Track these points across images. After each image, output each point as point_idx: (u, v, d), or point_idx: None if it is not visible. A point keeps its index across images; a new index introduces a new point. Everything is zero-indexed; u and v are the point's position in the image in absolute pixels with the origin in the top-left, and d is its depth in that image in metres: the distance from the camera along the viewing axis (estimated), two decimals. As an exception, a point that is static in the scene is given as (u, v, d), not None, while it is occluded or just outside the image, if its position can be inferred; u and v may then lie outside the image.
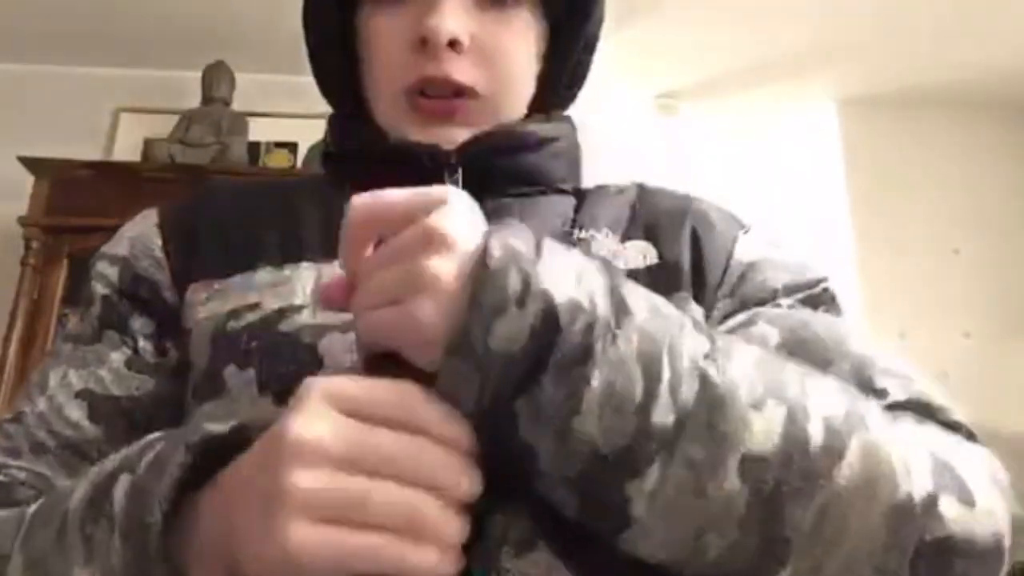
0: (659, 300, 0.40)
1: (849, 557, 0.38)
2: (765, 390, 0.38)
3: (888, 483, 0.39)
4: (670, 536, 0.38)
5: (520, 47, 0.59)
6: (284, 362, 0.49)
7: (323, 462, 0.34)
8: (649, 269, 0.56)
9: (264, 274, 0.54)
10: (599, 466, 0.36)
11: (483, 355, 0.35)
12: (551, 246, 0.38)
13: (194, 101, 2.63)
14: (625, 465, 0.36)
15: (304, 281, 0.53)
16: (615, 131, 2.90)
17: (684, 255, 0.57)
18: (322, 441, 0.34)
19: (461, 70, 0.56)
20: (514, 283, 0.35)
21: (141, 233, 0.61)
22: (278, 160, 2.66)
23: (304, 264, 0.54)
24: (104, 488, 0.41)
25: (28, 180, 2.38)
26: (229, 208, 0.60)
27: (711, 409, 0.37)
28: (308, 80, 0.68)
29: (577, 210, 0.63)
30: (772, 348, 0.47)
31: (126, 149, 2.70)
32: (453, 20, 0.55)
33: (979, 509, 0.41)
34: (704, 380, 0.37)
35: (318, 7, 0.62)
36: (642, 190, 0.66)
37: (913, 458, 0.40)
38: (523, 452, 0.37)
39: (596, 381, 0.35)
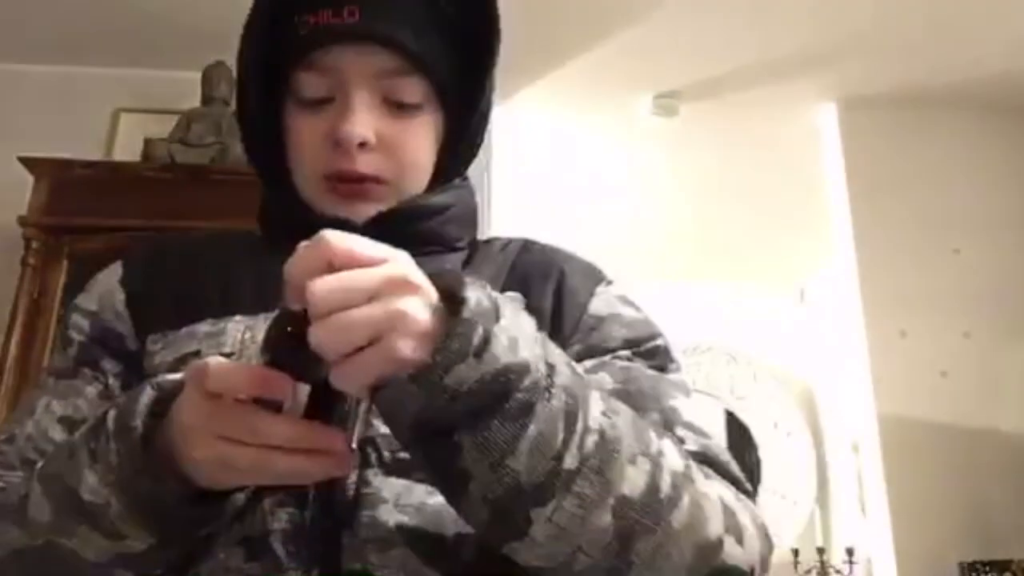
0: (567, 358, 0.51)
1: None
2: (637, 445, 0.51)
3: (701, 527, 0.53)
4: (551, 552, 0.49)
5: (419, 141, 0.71)
6: None
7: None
8: None
9: (205, 326, 0.66)
10: (516, 494, 0.46)
11: (435, 385, 0.44)
12: (506, 309, 0.47)
13: (194, 101, 2.63)
14: (536, 496, 0.47)
15: (234, 332, 0.65)
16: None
17: (547, 303, 0.69)
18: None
19: (368, 164, 0.68)
20: (477, 339, 0.44)
21: (107, 290, 0.72)
22: (278, 160, 2.66)
23: (237, 317, 0.65)
24: (99, 419, 0.55)
25: (28, 180, 2.38)
26: (178, 267, 0.72)
27: (603, 459, 0.48)
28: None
29: (465, 264, 0.74)
30: (607, 392, 0.58)
31: (126, 149, 2.70)
32: (362, 125, 0.67)
33: (746, 547, 0.56)
34: (602, 435, 0.49)
35: (249, 105, 0.73)
36: (524, 248, 0.76)
37: (714, 508, 0.54)
38: (459, 475, 0.46)
39: (532, 430, 0.46)
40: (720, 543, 0.54)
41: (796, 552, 3.61)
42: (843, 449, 3.70)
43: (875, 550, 2.77)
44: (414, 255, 0.49)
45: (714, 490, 0.56)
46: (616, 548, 0.49)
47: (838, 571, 3.47)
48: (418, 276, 0.46)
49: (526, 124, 3.13)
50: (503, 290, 0.69)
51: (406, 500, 0.59)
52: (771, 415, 4.10)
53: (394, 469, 0.59)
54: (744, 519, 0.57)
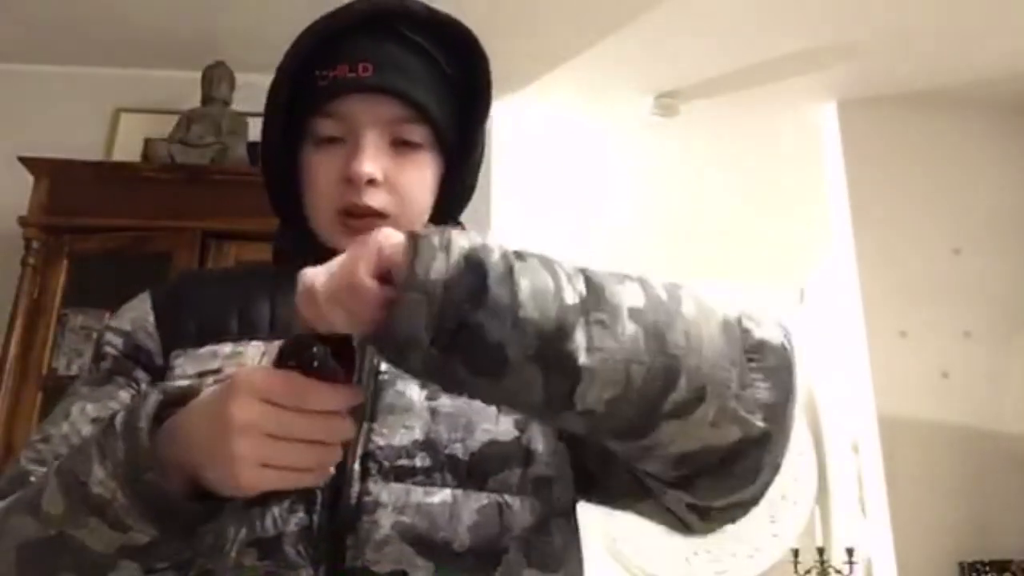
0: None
1: (714, 357, 0.57)
2: (620, 276, 0.58)
3: (713, 313, 0.59)
4: (608, 375, 0.53)
5: (422, 179, 0.80)
6: None
7: (255, 403, 0.54)
8: None
9: (227, 347, 0.74)
10: (545, 340, 0.52)
11: (425, 283, 0.50)
12: (452, 232, 0.54)
13: (194, 101, 2.63)
14: (562, 333, 0.52)
15: (252, 355, 0.73)
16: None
17: None
18: (255, 386, 0.55)
19: (376, 199, 0.77)
20: (437, 242, 0.52)
21: (139, 314, 0.80)
22: (278, 160, 2.66)
23: (255, 342, 0.74)
24: (109, 420, 0.60)
25: (28, 180, 2.38)
26: (201, 296, 0.81)
27: (597, 289, 0.55)
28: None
29: None
30: None
31: (126, 149, 2.70)
32: (371, 164, 0.76)
33: (766, 326, 0.61)
34: (585, 274, 0.55)
35: (271, 147, 0.82)
36: None
37: (715, 300, 0.60)
38: (495, 351, 0.51)
39: (523, 283, 0.52)
40: (739, 322, 0.59)
41: (796, 552, 3.61)
42: (843, 449, 3.70)
43: (875, 550, 2.77)
44: None
45: (707, 293, 0.63)
46: (655, 346, 0.54)
47: (838, 571, 3.47)
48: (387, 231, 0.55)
49: (526, 124, 3.13)
50: None
51: (405, 503, 0.66)
52: (771, 415, 4.09)
53: (394, 476, 0.67)
54: (748, 307, 0.62)
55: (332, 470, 0.58)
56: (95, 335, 0.84)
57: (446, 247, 0.51)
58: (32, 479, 0.69)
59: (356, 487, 0.66)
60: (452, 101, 0.82)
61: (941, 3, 2.54)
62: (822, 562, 3.53)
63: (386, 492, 0.66)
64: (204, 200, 2.34)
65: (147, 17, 2.63)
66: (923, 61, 2.82)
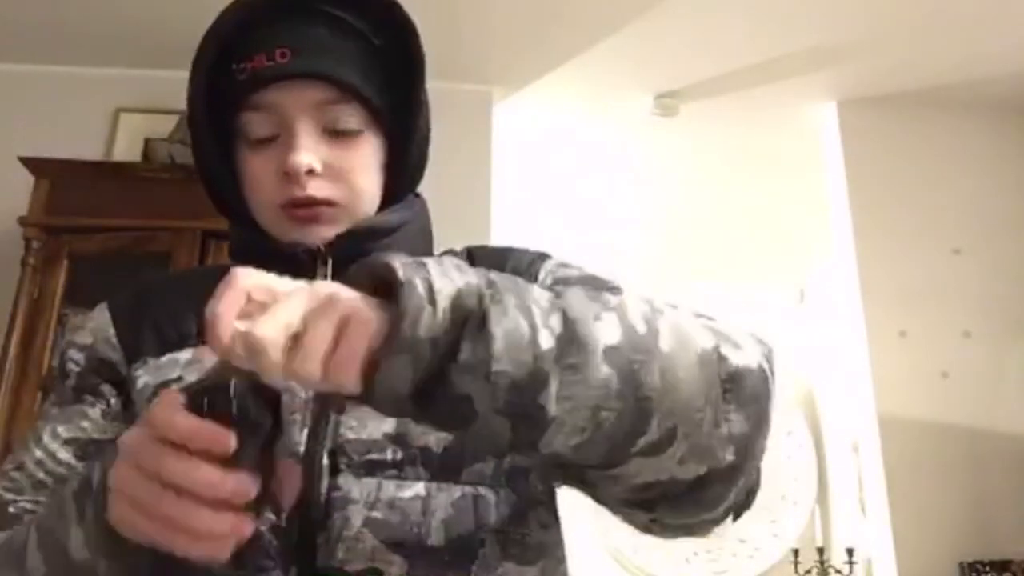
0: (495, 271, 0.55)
1: (688, 397, 0.54)
2: (596, 307, 0.54)
3: (691, 345, 0.56)
4: (576, 422, 0.51)
5: (363, 164, 0.76)
6: None
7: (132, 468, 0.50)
8: None
9: (186, 354, 0.73)
10: (518, 392, 0.49)
11: (415, 346, 0.47)
12: (423, 260, 0.51)
13: (194, 101, 2.63)
14: (534, 384, 0.49)
15: (211, 361, 0.69)
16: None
17: None
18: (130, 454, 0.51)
19: (319, 188, 0.73)
20: (422, 289, 0.48)
21: (98, 325, 0.79)
22: (278, 160, 2.66)
23: None
24: (87, 476, 0.58)
25: (28, 180, 2.38)
26: (160, 303, 0.78)
27: (573, 327, 0.51)
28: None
29: None
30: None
31: (126, 149, 2.70)
32: (307, 154, 0.72)
33: (745, 349, 0.59)
34: (562, 311, 0.52)
35: (204, 149, 0.79)
36: (469, 256, 0.81)
37: (696, 328, 0.58)
38: (462, 403, 0.49)
39: (498, 331, 0.49)
40: (717, 350, 0.57)
41: (796, 552, 3.61)
42: (843, 449, 3.70)
43: (875, 550, 2.77)
44: None
45: (686, 315, 0.61)
46: (628, 390, 0.52)
47: (838, 571, 3.47)
48: (335, 285, 0.50)
49: (526, 124, 3.13)
50: None
51: (376, 498, 0.65)
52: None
53: (364, 471, 0.65)
54: (726, 330, 0.61)
55: (228, 551, 0.50)
56: (60, 350, 0.82)
57: (432, 298, 0.48)
58: (11, 509, 0.69)
59: (325, 483, 0.64)
60: (383, 76, 0.77)
61: (941, 3, 2.54)
62: (822, 562, 3.53)
63: (357, 487, 0.65)
64: (204, 200, 2.31)
65: (147, 17, 2.63)
66: (923, 61, 2.82)
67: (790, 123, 3.13)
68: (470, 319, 0.49)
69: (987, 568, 2.51)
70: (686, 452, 0.55)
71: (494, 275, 0.53)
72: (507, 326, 0.49)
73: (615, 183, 3.56)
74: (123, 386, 0.75)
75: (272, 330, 0.47)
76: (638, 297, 0.59)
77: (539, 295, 0.53)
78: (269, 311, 0.48)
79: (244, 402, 0.49)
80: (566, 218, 3.67)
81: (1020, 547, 2.55)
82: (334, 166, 0.74)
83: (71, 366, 0.77)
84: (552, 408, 0.50)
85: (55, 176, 2.40)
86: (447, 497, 0.66)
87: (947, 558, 2.53)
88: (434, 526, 0.65)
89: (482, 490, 0.67)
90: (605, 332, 0.53)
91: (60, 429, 0.73)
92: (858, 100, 2.99)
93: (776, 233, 3.77)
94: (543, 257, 0.80)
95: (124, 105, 2.80)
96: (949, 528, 2.57)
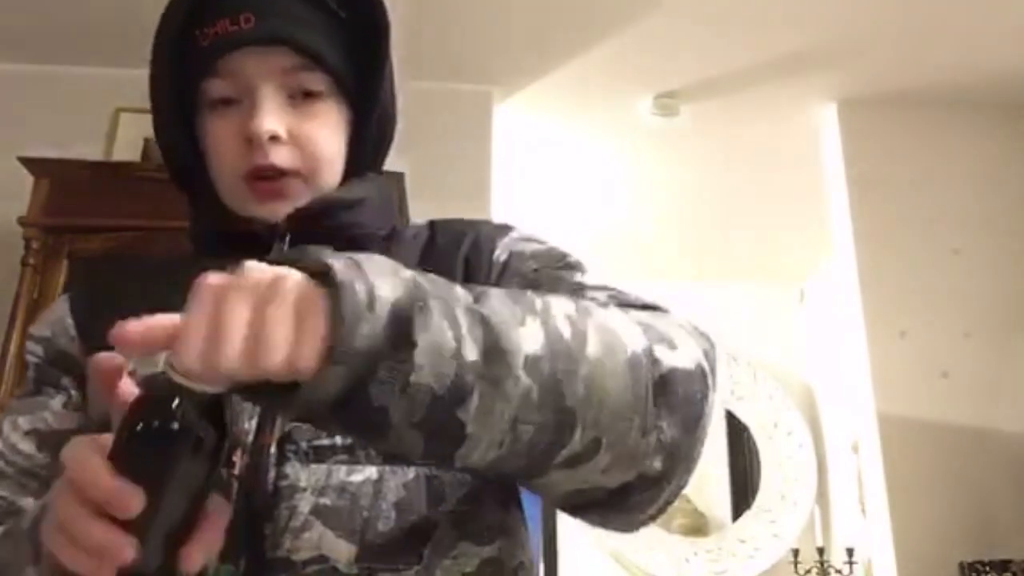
0: (420, 272, 0.52)
1: (615, 406, 0.52)
2: (521, 310, 0.52)
3: (620, 348, 0.54)
4: (494, 436, 0.49)
5: (327, 132, 0.75)
6: None
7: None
8: None
9: None
10: (436, 406, 0.47)
11: (348, 355, 0.45)
12: (359, 256, 0.49)
13: (194, 101, 2.63)
14: (454, 397, 0.47)
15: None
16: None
17: (459, 272, 0.74)
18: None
19: (282, 157, 0.72)
20: (362, 294, 0.45)
21: (58, 318, 0.78)
22: (278, 160, 2.66)
23: None
24: (40, 514, 0.56)
25: (28, 180, 2.38)
26: (120, 293, 0.77)
27: (495, 337, 0.49)
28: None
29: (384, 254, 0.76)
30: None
31: (126, 149, 2.70)
32: (271, 119, 0.71)
33: (681, 348, 0.57)
34: (483, 319, 0.50)
35: (164, 117, 0.77)
36: (432, 229, 0.81)
37: (627, 328, 0.56)
38: (378, 415, 0.46)
39: (422, 341, 0.46)
40: (650, 352, 0.55)
41: (796, 552, 3.61)
42: (843, 449, 3.70)
43: (875, 550, 2.77)
44: (333, 248, 0.51)
45: (618, 314, 0.58)
46: (549, 402, 0.50)
47: (838, 571, 3.47)
48: (276, 269, 0.47)
49: (526, 124, 3.13)
50: None
51: (325, 484, 0.63)
52: (771, 415, 4.10)
53: (313, 457, 0.64)
54: (664, 326, 0.59)
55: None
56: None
57: (371, 302, 0.46)
58: None
59: (272, 472, 0.63)
60: (348, 45, 0.76)
61: (940, 3, 2.54)
62: (822, 562, 3.53)
63: (305, 474, 0.63)
64: (204, 200, 2.34)
65: (147, 17, 2.63)
66: (923, 61, 2.82)
67: (790, 123, 3.13)
68: (394, 328, 0.46)
69: (987, 568, 2.51)
70: (611, 462, 0.53)
71: (420, 277, 0.51)
72: (431, 336, 0.47)
73: (614, 183, 3.56)
74: (83, 378, 0.74)
75: (230, 327, 0.45)
76: (565, 298, 0.57)
77: (461, 295, 0.51)
78: (215, 306, 0.46)
79: (187, 417, 0.46)
80: (566, 218, 3.67)
81: (1020, 547, 2.55)
82: (297, 133, 0.73)
83: (30, 358, 0.78)
84: (472, 425, 0.48)
85: (55, 176, 2.39)
86: (400, 479, 0.65)
87: (947, 558, 2.53)
88: (385, 509, 0.63)
89: (435, 470, 0.66)
90: (528, 339, 0.50)
91: (21, 420, 0.73)
92: (858, 100, 2.99)
93: (776, 233, 3.77)
94: (504, 230, 0.79)
95: (124, 105, 2.79)
96: (949, 528, 2.57)
